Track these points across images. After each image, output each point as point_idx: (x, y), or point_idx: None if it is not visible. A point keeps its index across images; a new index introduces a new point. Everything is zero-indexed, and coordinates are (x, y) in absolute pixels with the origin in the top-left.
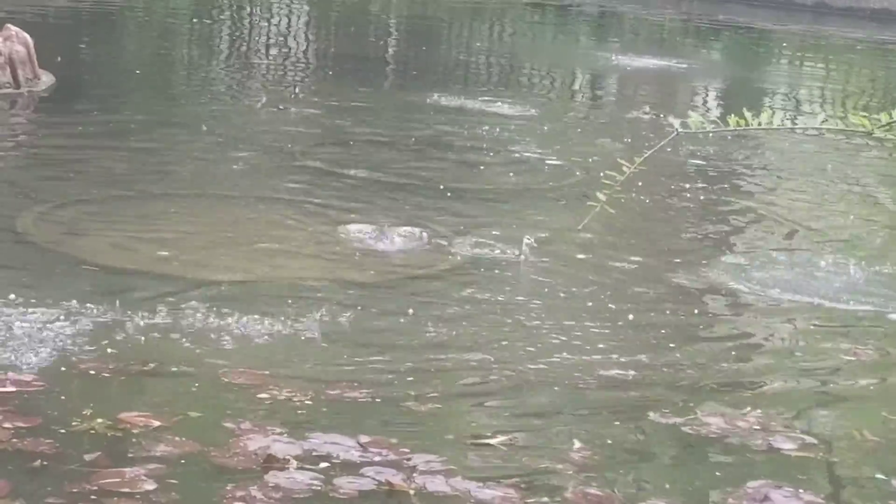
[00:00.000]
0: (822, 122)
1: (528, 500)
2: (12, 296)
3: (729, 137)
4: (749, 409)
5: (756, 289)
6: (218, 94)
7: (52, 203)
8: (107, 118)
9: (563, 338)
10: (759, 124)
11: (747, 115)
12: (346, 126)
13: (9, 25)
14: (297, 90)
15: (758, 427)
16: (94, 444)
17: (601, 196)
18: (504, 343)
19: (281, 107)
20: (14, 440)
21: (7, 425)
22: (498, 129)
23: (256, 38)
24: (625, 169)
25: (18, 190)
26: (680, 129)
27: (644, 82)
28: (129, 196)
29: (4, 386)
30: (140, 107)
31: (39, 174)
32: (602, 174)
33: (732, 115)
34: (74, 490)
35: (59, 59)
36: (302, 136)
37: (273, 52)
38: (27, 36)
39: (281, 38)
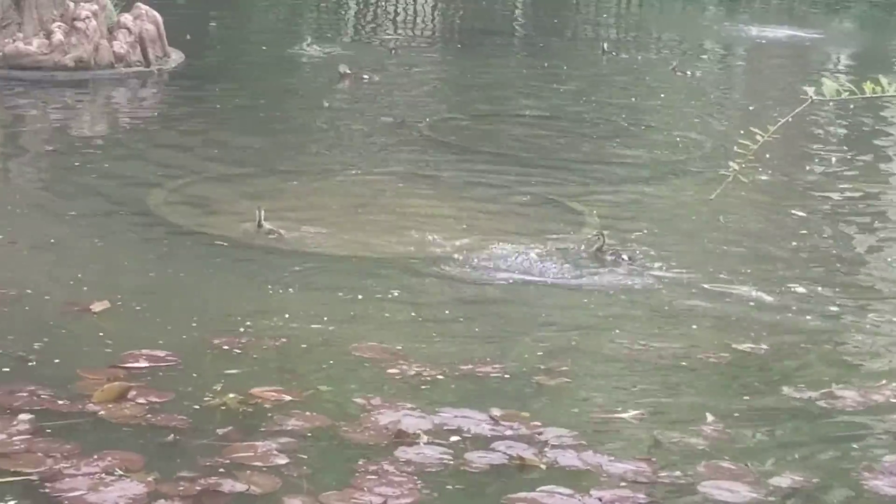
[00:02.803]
0: None
1: (661, 474)
2: (152, 273)
3: (852, 106)
4: (885, 381)
5: (888, 262)
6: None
7: (182, 180)
8: (234, 95)
9: (693, 312)
10: None
11: (883, 81)
12: (473, 100)
13: (139, 4)
14: (423, 63)
15: (894, 400)
16: (226, 419)
17: (734, 165)
18: (632, 317)
19: (406, 81)
20: (148, 415)
21: (141, 400)
22: (625, 102)
23: (383, 12)
24: (758, 138)
25: (150, 167)
26: (814, 97)
27: (774, 52)
28: (257, 172)
29: (138, 362)
30: (266, 83)
31: (169, 151)
32: (735, 145)
33: (868, 82)
34: (207, 464)
35: (188, 36)
36: (428, 110)
37: (400, 25)
38: (157, 14)
39: (409, 11)
